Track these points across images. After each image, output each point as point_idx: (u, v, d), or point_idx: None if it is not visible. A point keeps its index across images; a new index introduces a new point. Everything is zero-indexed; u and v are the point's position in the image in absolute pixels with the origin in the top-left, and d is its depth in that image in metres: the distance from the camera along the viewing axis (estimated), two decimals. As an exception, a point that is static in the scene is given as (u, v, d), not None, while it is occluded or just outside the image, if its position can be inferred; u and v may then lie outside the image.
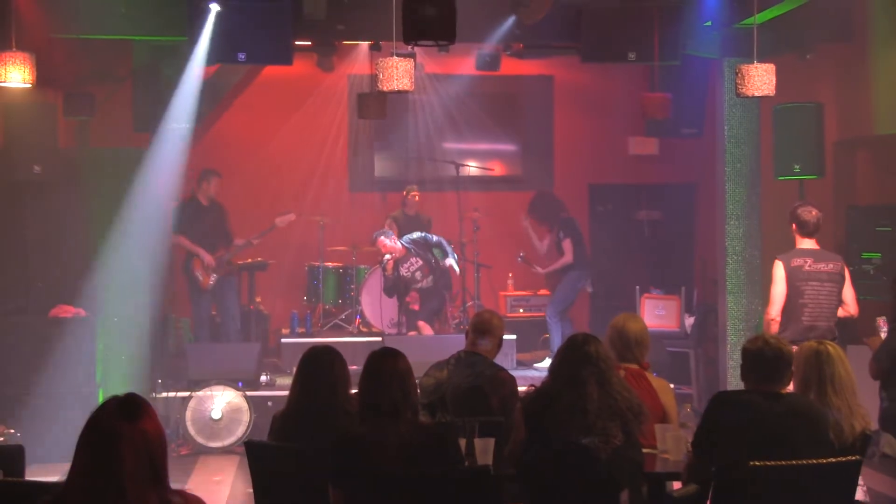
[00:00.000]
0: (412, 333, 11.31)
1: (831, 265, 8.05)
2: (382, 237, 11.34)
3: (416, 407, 4.74)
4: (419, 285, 11.41)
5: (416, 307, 11.39)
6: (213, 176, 11.22)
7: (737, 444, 4.81)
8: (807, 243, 8.11)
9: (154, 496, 3.28)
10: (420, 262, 11.36)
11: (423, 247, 11.47)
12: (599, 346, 5.03)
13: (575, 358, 4.94)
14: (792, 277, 7.99)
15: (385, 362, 4.77)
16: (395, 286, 11.41)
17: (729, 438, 4.86)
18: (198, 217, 11.14)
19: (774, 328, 7.95)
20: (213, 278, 11.07)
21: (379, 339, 11.03)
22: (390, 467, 4.53)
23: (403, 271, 11.34)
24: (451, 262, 11.44)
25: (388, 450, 4.56)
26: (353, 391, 5.37)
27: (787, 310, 7.99)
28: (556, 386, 4.93)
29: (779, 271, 8.03)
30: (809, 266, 8.01)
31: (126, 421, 3.28)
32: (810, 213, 8.12)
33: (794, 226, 8.20)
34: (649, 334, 6.09)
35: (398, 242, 11.38)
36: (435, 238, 11.59)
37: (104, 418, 3.30)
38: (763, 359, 4.97)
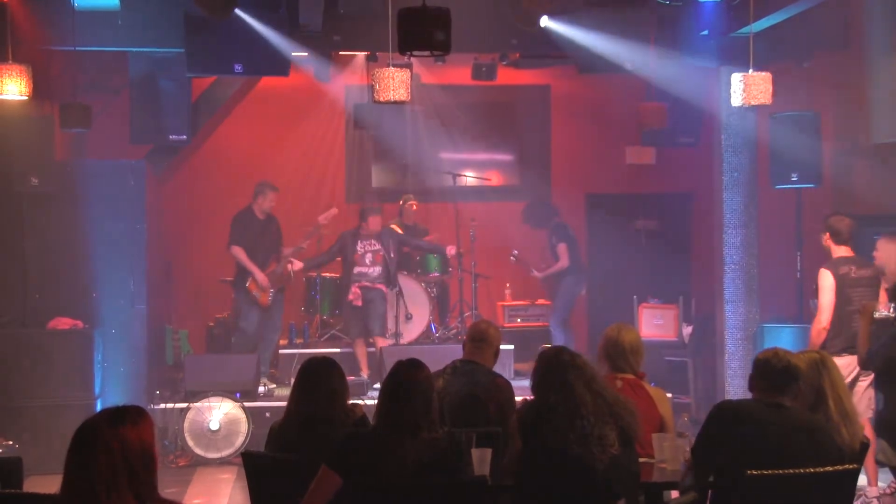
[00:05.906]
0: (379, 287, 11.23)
1: (870, 270, 8.17)
2: (373, 215, 11.28)
3: (434, 422, 4.68)
4: (368, 269, 11.27)
5: (360, 303, 11.12)
6: (269, 189, 11.03)
7: (737, 453, 4.80)
8: (843, 251, 8.17)
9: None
10: (377, 247, 11.26)
11: (389, 236, 11.43)
12: (573, 353, 5.04)
13: (555, 367, 4.94)
14: (841, 285, 8.04)
15: (411, 375, 4.71)
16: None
17: (730, 448, 4.85)
18: (251, 229, 10.99)
19: (823, 336, 7.98)
20: (270, 294, 10.97)
21: (373, 350, 11.02)
22: (398, 479, 4.51)
23: (360, 248, 11.27)
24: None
25: (401, 464, 4.53)
26: (351, 402, 5.38)
27: (836, 318, 8.02)
28: (545, 398, 4.91)
29: (827, 280, 8.06)
30: (855, 273, 8.07)
31: (107, 426, 3.26)
32: (842, 222, 8.20)
33: (827, 235, 8.24)
34: (644, 343, 6.08)
35: (379, 226, 11.35)
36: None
37: (88, 423, 3.30)
38: (771, 369, 4.97)
